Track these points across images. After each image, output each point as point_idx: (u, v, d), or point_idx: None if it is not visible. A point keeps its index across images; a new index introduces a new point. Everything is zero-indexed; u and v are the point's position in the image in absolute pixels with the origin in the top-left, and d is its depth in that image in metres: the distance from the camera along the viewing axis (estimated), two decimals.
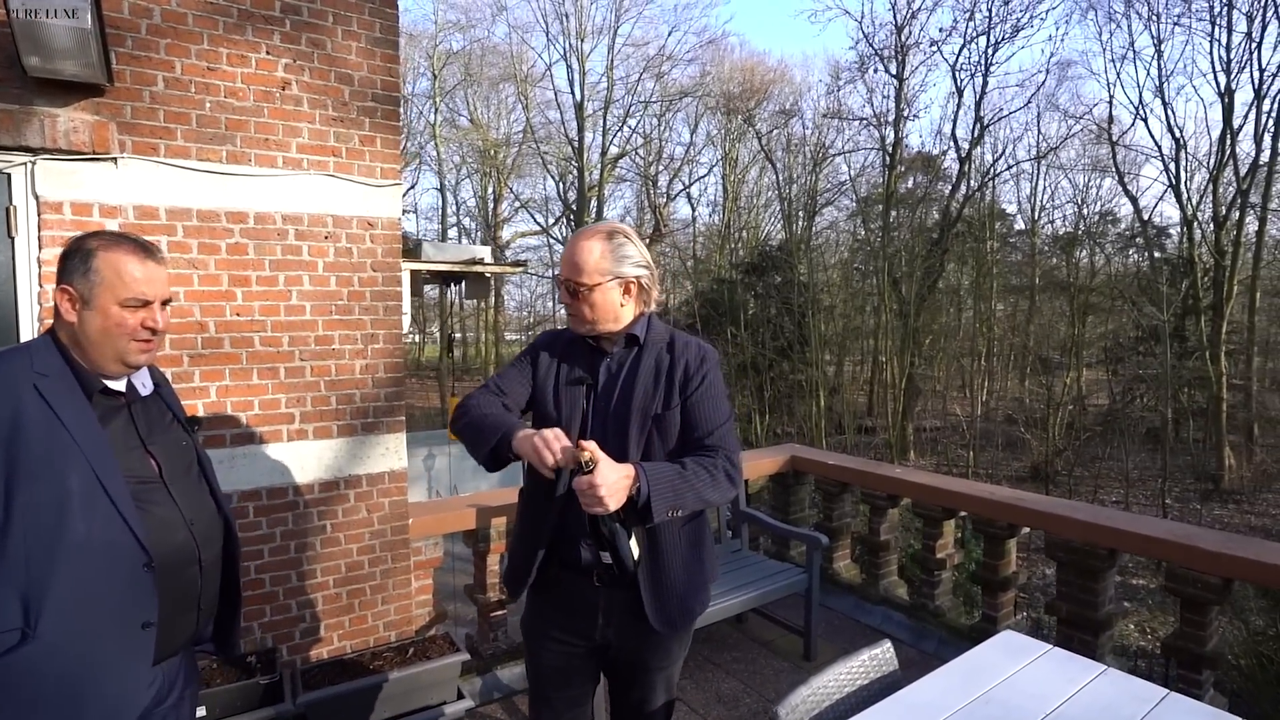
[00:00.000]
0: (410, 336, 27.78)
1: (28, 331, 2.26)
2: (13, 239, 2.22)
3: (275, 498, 2.63)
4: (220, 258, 2.47)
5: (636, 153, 26.12)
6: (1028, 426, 16.03)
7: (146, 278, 1.37)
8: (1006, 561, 3.34)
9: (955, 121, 18.43)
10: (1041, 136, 19.48)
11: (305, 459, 2.68)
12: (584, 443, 1.42)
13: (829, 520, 4.09)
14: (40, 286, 2.24)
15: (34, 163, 2.21)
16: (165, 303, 1.42)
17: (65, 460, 1.27)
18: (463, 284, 6.44)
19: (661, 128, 25.76)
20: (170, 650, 1.45)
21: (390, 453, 2.89)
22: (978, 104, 17.64)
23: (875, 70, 18.77)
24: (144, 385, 1.48)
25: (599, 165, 24.96)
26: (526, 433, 1.51)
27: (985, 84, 17.59)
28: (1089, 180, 19.89)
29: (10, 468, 1.24)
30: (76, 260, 1.34)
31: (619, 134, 25.52)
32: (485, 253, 5.73)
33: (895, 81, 18.29)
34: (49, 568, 1.26)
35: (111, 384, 1.40)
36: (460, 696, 2.70)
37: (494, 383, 1.73)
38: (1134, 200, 17.81)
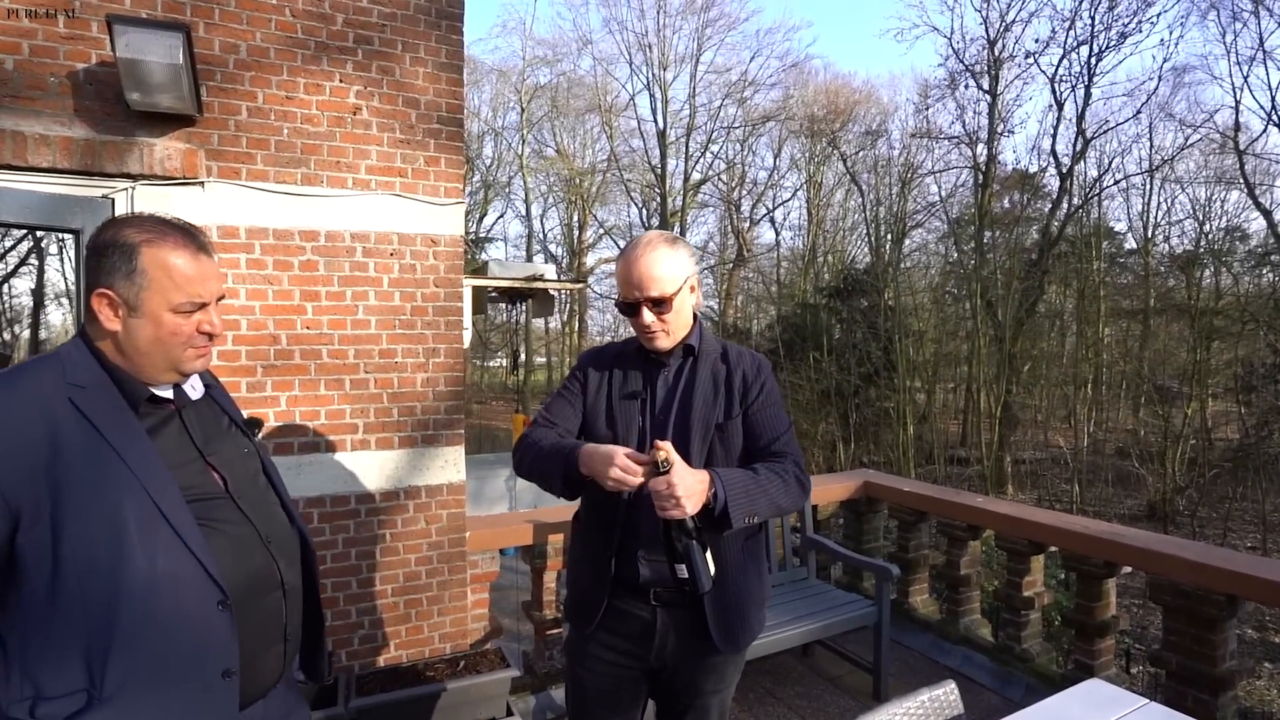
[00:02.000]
0: (497, 360, 28.67)
1: None
2: None
3: (338, 505, 2.72)
4: (293, 274, 2.61)
5: (719, 178, 26.18)
6: (1142, 461, 14.67)
7: (200, 275, 1.16)
8: (1104, 605, 3.02)
9: (1055, 136, 17.40)
10: (1154, 148, 18.09)
11: (367, 469, 2.77)
12: (660, 443, 1.38)
13: (904, 551, 3.85)
14: None
15: (134, 188, 2.42)
16: (220, 300, 1.24)
17: (114, 485, 1.08)
18: (529, 302, 6.60)
19: (744, 152, 25.75)
20: (258, 692, 1.25)
21: (449, 465, 2.94)
22: (1080, 116, 16.60)
23: (966, 86, 18.05)
24: (194, 388, 1.28)
25: (681, 191, 25.16)
26: (589, 448, 1.48)
27: (1088, 95, 16.54)
28: (1211, 194, 18.24)
29: (54, 498, 1.04)
30: (116, 258, 1.12)
31: (701, 160, 25.68)
32: (549, 270, 5.82)
33: (988, 97, 17.52)
34: (110, 615, 1.06)
35: (158, 391, 1.21)
36: (510, 713, 2.67)
37: (542, 415, 1.70)
38: (1267, 214, 16.16)
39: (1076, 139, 16.75)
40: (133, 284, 1.13)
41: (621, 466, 1.39)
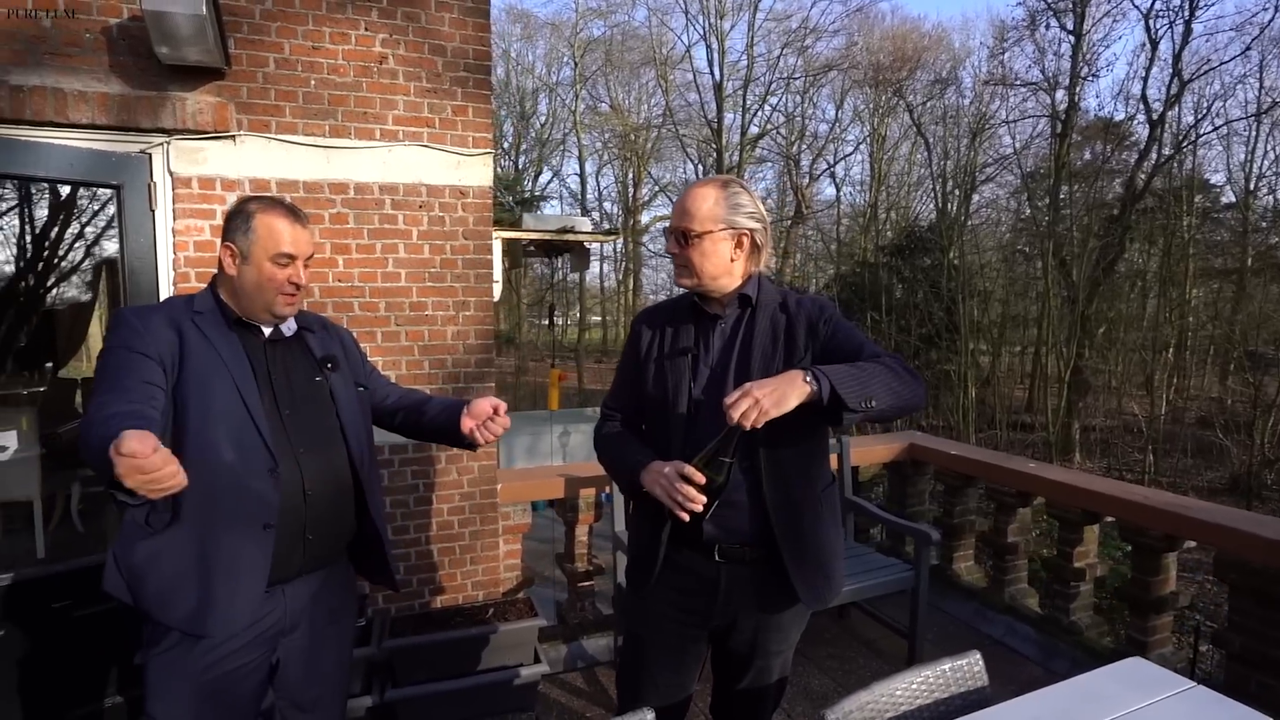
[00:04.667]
0: (542, 321, 28.89)
1: (166, 293, 2.53)
2: (153, 212, 2.49)
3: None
4: (324, 227, 2.63)
5: (778, 132, 25.30)
6: (1227, 432, 13.77)
7: (294, 238, 1.53)
8: (1163, 579, 2.84)
9: (1146, 79, 16.03)
10: (1264, 89, 16.42)
11: None
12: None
13: (949, 516, 3.71)
14: (174, 254, 2.50)
15: (169, 143, 2.46)
16: (307, 261, 1.58)
17: (213, 372, 1.47)
18: (566, 256, 6.55)
19: (804, 105, 24.73)
20: (278, 575, 1.51)
21: None
22: (1176, 56, 15.19)
23: (1048, 26, 16.77)
24: (288, 328, 1.65)
25: (739, 146, 24.47)
26: (648, 472, 1.51)
27: (1188, 31, 15.08)
28: None
29: (179, 372, 1.46)
30: (239, 221, 1.53)
31: (759, 113, 24.84)
32: (583, 222, 5.72)
33: (1071, 38, 16.24)
34: (198, 457, 1.42)
35: (260, 322, 1.58)
36: (537, 660, 2.72)
37: (606, 404, 1.76)
38: None
39: (1171, 81, 15.39)
40: (246, 239, 1.51)
41: (678, 490, 1.40)
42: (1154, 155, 15.70)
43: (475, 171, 2.83)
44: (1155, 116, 15.66)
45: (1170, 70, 15.36)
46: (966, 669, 1.66)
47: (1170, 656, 2.85)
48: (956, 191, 19.60)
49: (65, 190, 3.61)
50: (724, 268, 1.55)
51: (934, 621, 3.45)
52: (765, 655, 1.67)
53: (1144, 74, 16.06)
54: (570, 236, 5.46)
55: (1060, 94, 16.70)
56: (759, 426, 1.31)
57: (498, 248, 3.45)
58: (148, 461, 1.03)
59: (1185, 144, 15.81)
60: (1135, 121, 16.88)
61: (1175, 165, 15.78)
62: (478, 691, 2.61)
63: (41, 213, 4.01)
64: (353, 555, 1.75)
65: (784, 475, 1.55)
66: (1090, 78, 16.81)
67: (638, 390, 1.66)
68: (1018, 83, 18.14)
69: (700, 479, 1.39)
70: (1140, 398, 15.44)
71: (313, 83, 2.56)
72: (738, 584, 1.59)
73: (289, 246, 1.52)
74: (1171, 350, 15.40)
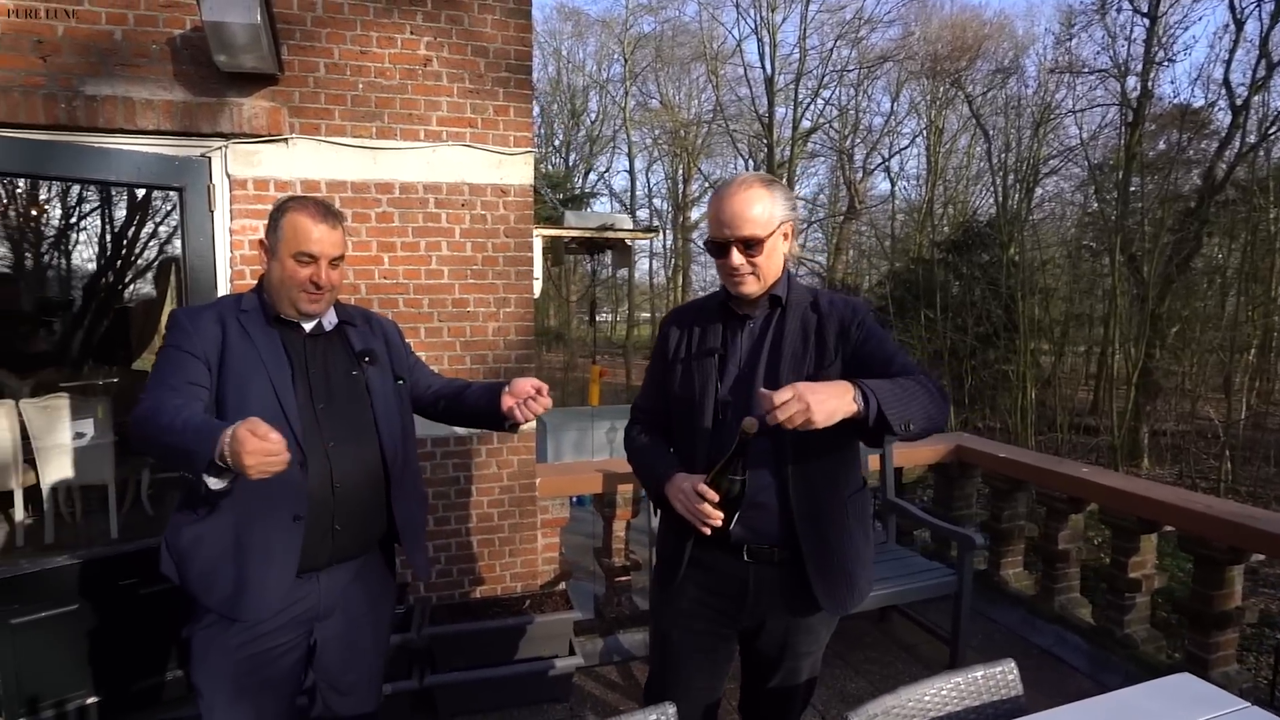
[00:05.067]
0: (604, 316, 29.06)
1: (224, 291, 2.66)
2: (213, 212, 2.62)
3: (416, 447, 2.86)
4: (370, 225, 2.72)
5: (830, 126, 24.84)
6: None
7: (318, 238, 1.56)
8: (1227, 594, 2.69)
9: (1229, 62, 15.07)
10: None
11: None
12: (748, 420, 1.32)
13: (997, 521, 3.60)
14: (231, 253, 2.62)
15: (227, 146, 2.59)
16: (335, 261, 1.60)
17: (253, 372, 1.54)
18: (608, 253, 6.56)
19: (858, 98, 24.21)
20: (309, 564, 1.56)
21: None
22: (1264, 37, 14.19)
23: (1119, 10, 15.94)
24: (329, 322, 1.69)
25: (790, 141, 24.11)
26: (670, 487, 1.51)
27: (1279, 10, 14.15)
28: None
29: (220, 368, 1.54)
30: (273, 217, 1.60)
31: (811, 107, 24.43)
32: (623, 220, 5.71)
33: (1145, 21, 15.40)
34: None
35: (292, 317, 1.63)
36: (572, 653, 2.77)
37: (636, 405, 1.77)
38: None
39: (1258, 64, 14.42)
40: (274, 235, 1.58)
41: (695, 509, 1.41)
42: (1237, 143, 14.77)
43: (516, 170, 2.88)
44: (1239, 102, 14.73)
45: (1257, 52, 14.41)
46: (1000, 677, 1.61)
47: (1235, 675, 2.70)
48: (1018, 185, 18.88)
49: (140, 194, 3.84)
50: (779, 264, 1.56)
51: (979, 628, 3.36)
52: (795, 656, 1.65)
53: (1227, 57, 15.14)
54: (610, 234, 5.48)
55: (1132, 81, 15.88)
56: (797, 428, 1.26)
57: (538, 245, 3.50)
58: (275, 444, 1.19)
59: (1273, 131, 14.82)
60: (1216, 108, 15.92)
61: (1261, 154, 14.81)
62: (514, 680, 2.66)
63: (118, 214, 4.27)
64: (384, 543, 1.78)
65: (810, 482, 1.53)
66: (1166, 63, 15.93)
67: (666, 391, 1.66)
68: (1085, 70, 17.34)
69: (714, 496, 1.39)
70: (1217, 401, 14.57)
71: (360, 86, 2.65)
72: (766, 585, 1.58)
73: (310, 246, 1.54)
74: (1254, 351, 14.50)
